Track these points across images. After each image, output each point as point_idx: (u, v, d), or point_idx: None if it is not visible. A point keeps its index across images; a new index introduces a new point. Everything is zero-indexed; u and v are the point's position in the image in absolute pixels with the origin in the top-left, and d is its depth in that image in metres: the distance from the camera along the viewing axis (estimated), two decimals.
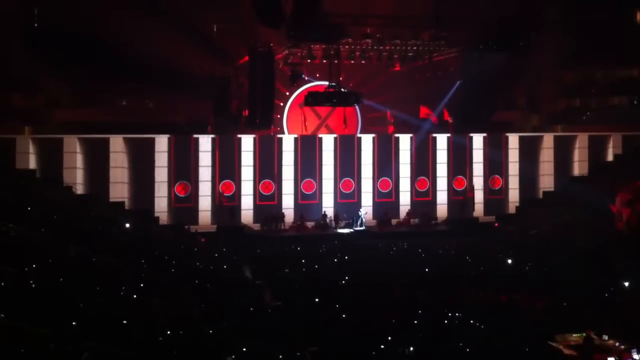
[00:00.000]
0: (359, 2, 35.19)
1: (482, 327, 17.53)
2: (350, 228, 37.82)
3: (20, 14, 39.97)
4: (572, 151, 41.57)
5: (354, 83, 41.32)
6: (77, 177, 35.94)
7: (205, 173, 37.84)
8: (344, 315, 18.91)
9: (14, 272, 16.79)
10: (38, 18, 41.51)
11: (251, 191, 38.41)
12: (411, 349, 15.55)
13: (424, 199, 40.55)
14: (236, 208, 38.11)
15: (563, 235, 31.60)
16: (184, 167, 37.66)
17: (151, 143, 37.71)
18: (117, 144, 37.09)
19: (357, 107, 40.61)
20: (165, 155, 37.44)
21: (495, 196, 41.38)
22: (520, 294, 21.04)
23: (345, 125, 42.10)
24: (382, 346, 15.95)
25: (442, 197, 40.69)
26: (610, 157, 41.13)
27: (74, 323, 14.58)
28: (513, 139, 42.10)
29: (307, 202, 39.19)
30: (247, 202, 38.35)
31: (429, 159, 40.76)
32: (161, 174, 37.33)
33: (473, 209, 40.45)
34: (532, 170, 41.79)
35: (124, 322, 15.93)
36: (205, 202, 37.82)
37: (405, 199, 40.14)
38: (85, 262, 20.93)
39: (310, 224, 38.28)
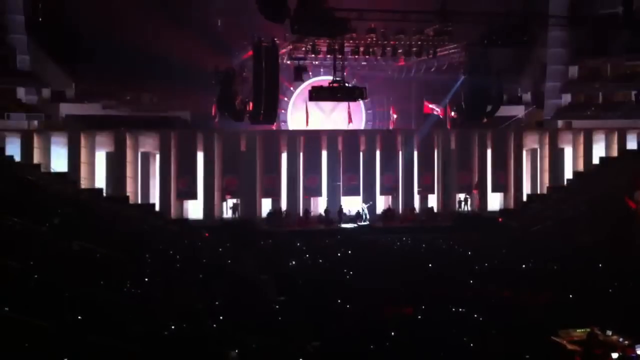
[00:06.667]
0: None
1: (486, 322, 17.53)
2: (354, 223, 37.83)
3: (25, 8, 40.04)
4: (576, 146, 41.46)
5: (358, 78, 41.29)
6: (81, 171, 36.01)
7: (209, 167, 37.81)
8: (346, 311, 18.94)
9: (18, 266, 16.85)
10: (43, 13, 41.58)
11: (255, 186, 38.39)
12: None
13: (427, 194, 40.47)
14: (239, 203, 38.14)
15: (567, 230, 31.54)
16: (188, 161, 37.65)
17: (155, 137, 37.72)
18: (121, 138, 37.10)
19: (361, 102, 40.55)
20: (170, 149, 37.41)
21: (500, 191, 41.30)
22: (524, 290, 21.03)
23: (349, 120, 42.14)
24: (384, 341, 15.97)
25: (446, 192, 40.62)
26: (615, 152, 40.99)
27: (78, 317, 14.64)
28: (517, 134, 42.03)
29: (311, 196, 39.16)
30: (250, 197, 38.32)
31: (433, 154, 40.68)
32: (165, 168, 37.32)
33: (477, 205, 40.44)
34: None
35: (128, 316, 15.99)
36: (209, 197, 37.80)
37: (409, 194, 40.06)
38: (90, 257, 20.98)
39: (314, 219, 38.28)
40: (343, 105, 41.15)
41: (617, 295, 20.20)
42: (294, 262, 26.58)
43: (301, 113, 41.85)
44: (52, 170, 35.21)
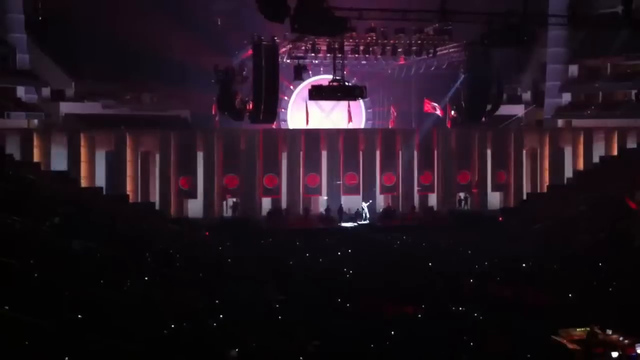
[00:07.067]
0: None
1: (486, 321, 17.55)
2: (354, 222, 37.82)
3: (25, 8, 40.05)
4: (576, 145, 41.47)
5: (358, 77, 41.27)
6: (81, 170, 36.01)
7: (209, 166, 37.81)
8: (347, 309, 18.96)
9: (18, 265, 16.86)
10: (42, 12, 41.62)
11: (255, 185, 38.38)
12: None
13: (428, 193, 40.50)
14: (240, 201, 38.13)
15: (567, 230, 31.54)
16: (187, 160, 37.65)
17: (155, 136, 37.71)
18: (121, 137, 37.10)
19: (361, 101, 40.54)
20: (170, 148, 37.41)
21: (500, 190, 41.30)
22: (524, 289, 21.05)
23: (349, 119, 42.13)
24: (384, 340, 15.98)
25: (446, 190, 40.61)
26: (615, 152, 40.99)
27: (78, 316, 14.65)
28: (517, 133, 42.03)
29: (311, 195, 39.17)
30: (251, 196, 38.32)
31: (433, 153, 40.67)
32: (165, 167, 37.32)
33: (477, 203, 40.43)
34: None
35: (128, 315, 15.99)
36: (209, 196, 37.80)
37: (409, 193, 40.07)
38: (90, 256, 20.99)
39: (314, 218, 38.27)
40: (343, 104, 41.14)
41: (617, 294, 20.23)
42: (294, 261, 26.60)
43: (301, 112, 41.85)
44: (52, 169, 35.21)
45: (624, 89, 43.20)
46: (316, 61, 39.34)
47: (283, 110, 42.46)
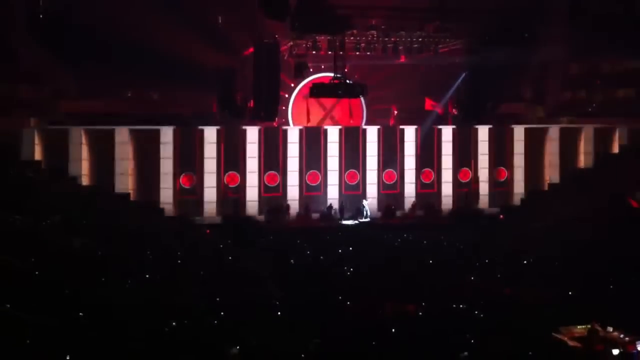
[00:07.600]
0: None
1: (487, 319, 17.56)
2: (355, 220, 37.85)
3: (26, 5, 39.99)
4: (577, 144, 41.45)
5: (359, 75, 41.28)
6: (82, 168, 36.02)
7: (210, 165, 37.85)
8: (348, 307, 18.97)
9: (19, 263, 16.88)
10: (43, 9, 41.54)
11: (256, 183, 38.43)
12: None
13: (428, 191, 40.55)
14: (240, 199, 38.16)
15: (567, 228, 31.54)
16: (189, 158, 37.70)
17: (156, 134, 37.73)
18: (122, 135, 37.12)
19: (362, 98, 40.55)
20: (171, 146, 37.45)
21: (500, 188, 41.33)
22: (525, 286, 21.06)
23: (350, 116, 42.15)
24: (386, 338, 16.00)
25: (446, 188, 40.64)
26: (615, 150, 40.98)
27: (79, 314, 14.68)
28: (518, 131, 42.03)
29: (311, 193, 39.22)
30: (252, 194, 38.37)
31: (434, 150, 40.72)
32: (166, 166, 37.35)
33: (477, 201, 40.45)
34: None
35: (129, 313, 16.01)
36: (210, 194, 37.86)
37: (410, 191, 40.13)
38: (90, 254, 21.02)
39: (315, 216, 38.32)
40: (344, 101, 41.16)
41: (618, 291, 20.25)
42: (294, 259, 26.62)
43: (302, 109, 41.85)
44: (52, 168, 35.20)
45: (625, 87, 43.11)
46: (317, 59, 39.35)
47: (284, 107, 42.45)
